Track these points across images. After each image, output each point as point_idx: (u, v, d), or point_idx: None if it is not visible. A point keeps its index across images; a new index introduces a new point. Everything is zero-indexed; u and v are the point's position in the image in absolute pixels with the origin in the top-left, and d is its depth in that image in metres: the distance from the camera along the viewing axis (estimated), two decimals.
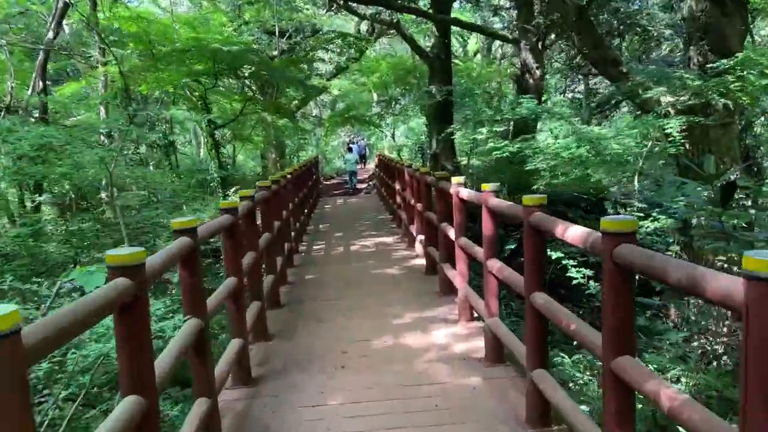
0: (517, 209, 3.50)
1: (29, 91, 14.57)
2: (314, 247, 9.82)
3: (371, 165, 33.59)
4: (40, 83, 13.85)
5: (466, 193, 5.00)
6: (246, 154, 25.67)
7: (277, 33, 15.99)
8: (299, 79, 12.82)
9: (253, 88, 16.97)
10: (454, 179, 5.34)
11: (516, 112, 9.61)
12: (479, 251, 4.51)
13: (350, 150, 24.29)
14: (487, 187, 4.30)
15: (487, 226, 4.27)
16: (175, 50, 10.27)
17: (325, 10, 17.16)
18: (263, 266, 6.03)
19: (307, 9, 16.87)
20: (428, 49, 15.38)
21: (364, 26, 21.43)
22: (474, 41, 26.32)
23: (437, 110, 14.69)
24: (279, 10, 17.36)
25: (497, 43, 24.33)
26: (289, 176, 9.23)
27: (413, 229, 8.73)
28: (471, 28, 14.83)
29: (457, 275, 5.31)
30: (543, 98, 14.12)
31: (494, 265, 4.12)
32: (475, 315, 5.22)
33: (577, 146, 7.29)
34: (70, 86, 15.43)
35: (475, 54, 25.18)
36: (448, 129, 14.20)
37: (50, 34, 13.96)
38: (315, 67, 23.38)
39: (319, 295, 6.58)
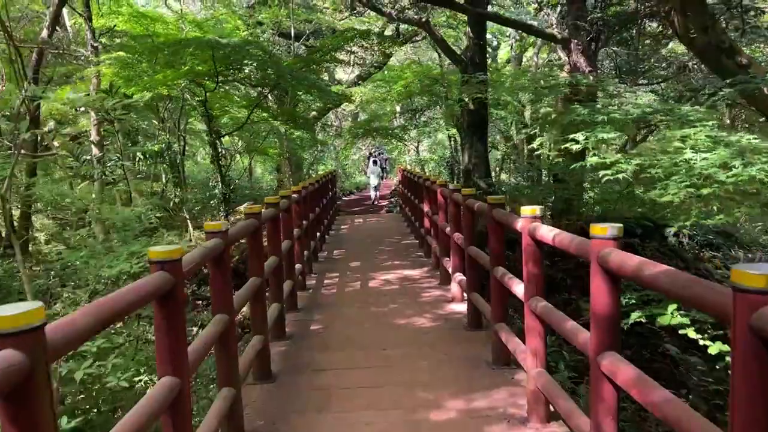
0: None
1: (21, 97, 13.25)
2: (325, 281, 8.11)
3: (393, 180, 32.02)
4: (29, 86, 12.49)
5: (549, 234, 3.22)
6: (265, 168, 24.20)
7: (292, 34, 14.47)
8: (314, 81, 11.17)
9: (269, 97, 15.49)
10: (525, 209, 3.59)
11: (626, 112, 7.27)
12: (580, 334, 2.76)
13: (374, 163, 23.24)
14: (595, 227, 2.56)
15: (600, 297, 2.52)
16: (169, 43, 8.70)
17: (346, 11, 15.60)
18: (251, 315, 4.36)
19: (326, 9, 15.34)
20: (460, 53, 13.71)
21: (388, 32, 19.89)
22: (505, 49, 24.64)
23: (470, 120, 12.98)
24: (296, 10, 15.87)
25: (529, 52, 22.63)
26: (295, 195, 7.58)
27: (447, 264, 7.00)
28: (514, 25, 13.12)
29: (528, 354, 3.54)
30: None
31: (617, 366, 2.38)
32: (552, 408, 3.48)
33: (744, 164, 4.92)
34: (65, 90, 14.07)
35: (506, 62, 23.47)
36: (470, 140, 12.52)
37: (44, 33, 12.61)
38: (334, 76, 21.88)
39: (324, 362, 4.84)
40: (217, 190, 10.55)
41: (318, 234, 10.20)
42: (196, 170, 24.36)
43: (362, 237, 12.21)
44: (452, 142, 19.63)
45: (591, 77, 11.26)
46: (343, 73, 24.85)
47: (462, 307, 6.20)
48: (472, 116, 12.85)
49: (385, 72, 20.58)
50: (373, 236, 12.23)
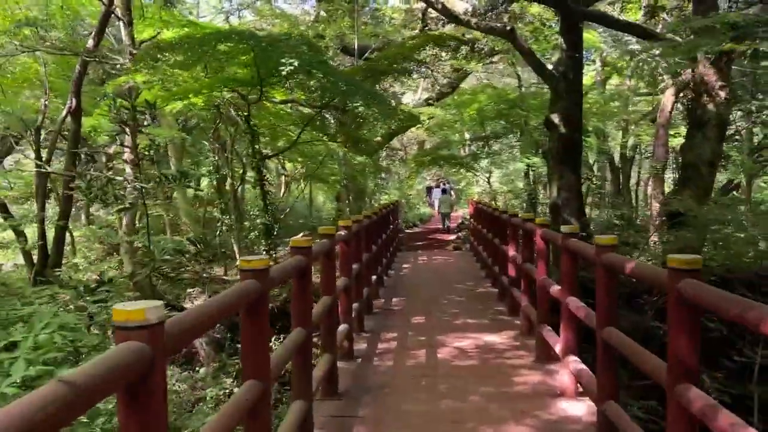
0: None
1: (64, 112, 12.25)
2: (379, 345, 6.18)
3: (458, 213, 29.94)
4: (74, 101, 11.42)
5: None
6: (327, 195, 22.74)
7: (356, 47, 12.90)
8: (374, 92, 9.44)
9: (327, 116, 13.96)
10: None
11: None
12: None
13: (444, 192, 23.22)
14: None
15: None
16: (200, 38, 7.18)
17: (417, 24, 13.91)
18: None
19: (394, 21, 13.72)
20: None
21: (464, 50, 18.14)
22: (589, 73, 22.35)
23: (560, 146, 10.88)
24: (362, 24, 14.37)
25: (614, 79, 20.31)
26: (344, 231, 5.75)
27: (550, 336, 4.96)
28: (626, 29, 10.93)
29: None
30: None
31: None
32: None
33: None
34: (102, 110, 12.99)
35: (591, 87, 21.19)
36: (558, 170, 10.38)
37: (90, 43, 11.57)
38: (401, 101, 20.24)
39: None
40: (259, 220, 8.89)
41: (374, 277, 8.33)
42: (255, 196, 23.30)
43: (427, 280, 10.22)
44: (532, 174, 17.47)
45: (722, 94, 9.01)
46: (411, 96, 23.25)
47: (580, 408, 4.13)
48: (563, 142, 10.75)
49: (455, 97, 18.75)
50: (440, 279, 10.23)
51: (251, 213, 9.86)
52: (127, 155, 10.18)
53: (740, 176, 12.74)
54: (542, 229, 5.56)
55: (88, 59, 11.38)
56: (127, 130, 10.10)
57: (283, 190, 28.98)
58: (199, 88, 7.65)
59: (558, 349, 4.65)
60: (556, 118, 10.77)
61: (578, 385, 4.34)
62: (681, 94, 14.01)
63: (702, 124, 9.10)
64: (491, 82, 23.45)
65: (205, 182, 18.97)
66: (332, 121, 13.55)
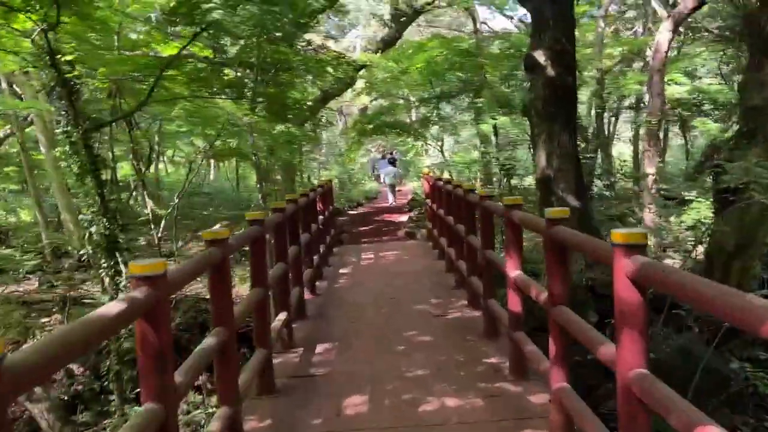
0: None
1: None
2: None
3: (408, 186, 26.91)
4: None
5: None
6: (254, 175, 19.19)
7: None
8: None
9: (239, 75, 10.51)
10: None
11: None
12: None
13: (391, 162, 22.15)
14: None
15: None
16: None
17: None
18: None
19: None
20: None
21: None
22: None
23: (548, 96, 7.86)
24: None
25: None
26: (216, 247, 2.56)
27: None
28: None
29: None
30: None
31: None
32: None
33: None
34: None
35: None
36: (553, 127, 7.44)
37: None
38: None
39: None
40: (93, 228, 5.48)
41: (285, 315, 5.13)
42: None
43: (375, 296, 6.97)
44: (496, 138, 14.47)
45: None
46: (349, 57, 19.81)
47: None
48: (553, 88, 7.75)
49: (399, 51, 15.46)
50: (393, 294, 7.04)
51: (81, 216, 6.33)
52: None
53: None
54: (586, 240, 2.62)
55: None
56: None
57: (212, 171, 25.15)
58: None
59: None
60: (540, 56, 7.74)
61: None
62: (680, 28, 11.27)
63: None
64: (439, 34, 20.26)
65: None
66: (246, 80, 10.12)
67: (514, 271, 4.14)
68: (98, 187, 5.43)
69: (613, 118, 17.86)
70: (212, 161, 22.06)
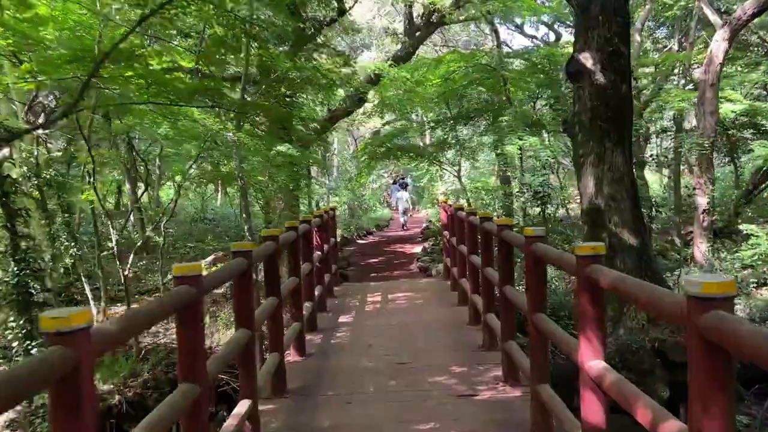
0: None
1: None
2: None
3: (422, 214, 25.45)
4: None
5: None
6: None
7: None
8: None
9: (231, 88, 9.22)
10: None
11: None
12: None
13: (404, 187, 21.41)
14: None
15: None
16: None
17: None
18: None
19: None
20: None
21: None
22: None
23: (598, 108, 6.38)
24: None
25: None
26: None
27: None
28: None
29: None
30: None
31: None
32: None
33: None
34: None
35: None
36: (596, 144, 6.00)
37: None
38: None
39: None
40: (7, 278, 4.02)
41: (250, 403, 3.63)
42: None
43: (379, 362, 5.37)
44: (521, 163, 12.99)
45: None
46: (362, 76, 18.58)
47: None
48: (604, 98, 6.29)
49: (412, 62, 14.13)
50: (404, 355, 5.48)
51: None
52: None
53: None
54: None
55: None
56: None
57: (220, 195, 23.81)
58: None
59: None
60: (587, 60, 6.29)
61: None
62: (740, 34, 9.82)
63: None
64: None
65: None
66: (229, 90, 8.80)
67: (592, 360, 2.63)
68: (7, 218, 4.01)
69: (643, 142, 16.44)
70: (219, 185, 20.80)
